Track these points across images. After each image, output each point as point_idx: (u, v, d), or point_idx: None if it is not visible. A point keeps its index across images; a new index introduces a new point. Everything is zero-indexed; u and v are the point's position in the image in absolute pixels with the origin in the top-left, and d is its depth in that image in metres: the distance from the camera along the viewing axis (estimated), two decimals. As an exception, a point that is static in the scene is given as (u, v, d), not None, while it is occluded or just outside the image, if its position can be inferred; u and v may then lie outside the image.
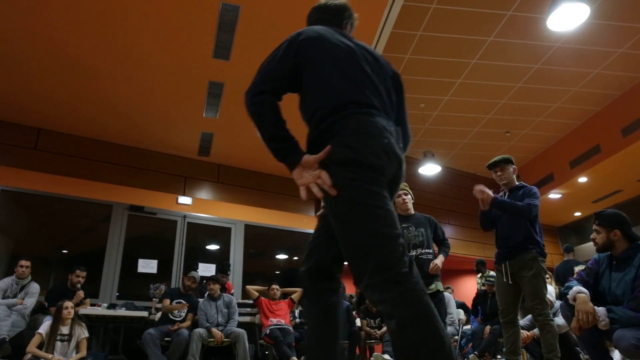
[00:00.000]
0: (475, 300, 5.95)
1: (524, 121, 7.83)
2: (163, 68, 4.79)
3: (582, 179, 8.05)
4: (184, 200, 6.72)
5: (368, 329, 5.61)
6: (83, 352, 3.96)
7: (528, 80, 6.62)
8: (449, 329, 5.55)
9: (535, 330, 3.99)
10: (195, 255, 6.75)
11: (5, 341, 4.01)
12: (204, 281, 5.41)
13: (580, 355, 3.88)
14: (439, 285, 3.40)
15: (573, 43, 5.86)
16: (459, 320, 5.94)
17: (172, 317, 4.80)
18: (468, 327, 6.08)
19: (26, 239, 6.23)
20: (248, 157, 6.90)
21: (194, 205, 6.78)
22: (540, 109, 7.46)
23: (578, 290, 2.34)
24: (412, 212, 3.64)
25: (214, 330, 4.64)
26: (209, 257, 7.00)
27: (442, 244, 3.61)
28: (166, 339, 4.55)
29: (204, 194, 6.99)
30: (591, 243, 2.59)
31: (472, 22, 5.44)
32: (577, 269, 5.97)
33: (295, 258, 7.96)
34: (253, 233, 7.15)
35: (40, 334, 3.82)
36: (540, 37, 5.71)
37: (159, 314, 4.98)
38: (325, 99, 1.36)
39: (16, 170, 5.67)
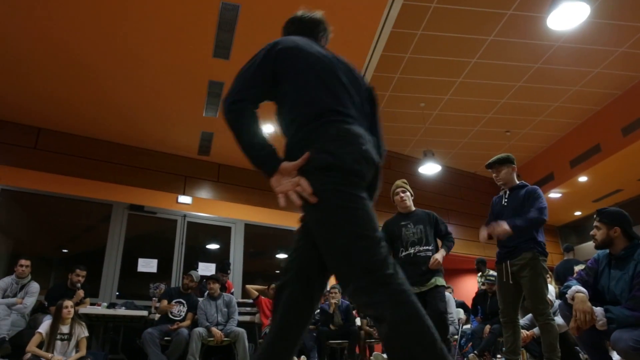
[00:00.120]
0: (475, 299, 5.95)
1: (524, 120, 7.82)
2: (163, 68, 4.79)
3: (583, 179, 8.05)
4: (184, 199, 6.72)
5: (368, 328, 5.62)
6: (83, 352, 3.97)
7: (528, 79, 6.61)
8: (449, 328, 5.55)
9: (535, 330, 3.99)
10: (195, 254, 6.75)
11: (5, 340, 4.01)
12: (204, 280, 5.41)
13: (580, 355, 3.88)
14: (438, 280, 3.34)
15: (573, 42, 5.85)
16: (458, 320, 5.94)
17: (172, 317, 4.80)
18: (468, 326, 6.08)
19: (26, 238, 6.24)
20: (248, 156, 6.89)
21: (194, 204, 6.78)
22: (540, 108, 7.46)
23: (577, 289, 2.33)
24: (413, 208, 3.63)
25: (214, 329, 4.64)
26: (209, 257, 7.01)
27: (445, 238, 3.54)
28: (166, 338, 4.55)
29: (204, 193, 6.99)
30: (591, 243, 2.57)
31: (472, 21, 5.44)
32: (577, 268, 5.97)
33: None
34: (253, 232, 7.16)
35: (40, 333, 3.83)
36: (540, 37, 5.70)
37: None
38: (303, 107, 1.37)
39: (16, 170, 5.67)
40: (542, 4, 5.08)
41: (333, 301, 5.30)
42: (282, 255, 8.17)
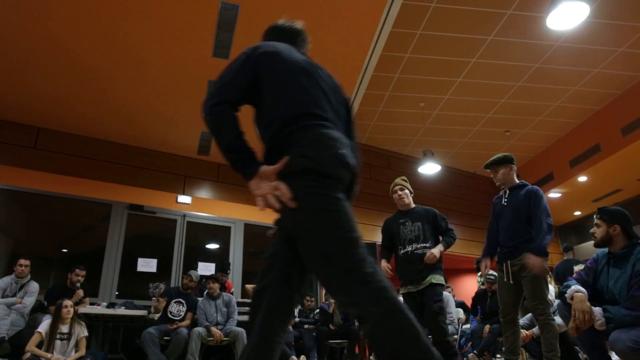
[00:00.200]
0: (474, 299, 5.96)
1: (524, 120, 7.83)
2: (163, 68, 4.79)
3: (582, 178, 8.05)
4: (184, 199, 6.72)
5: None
6: (82, 351, 3.97)
7: (528, 79, 6.62)
8: (449, 328, 5.55)
9: (535, 330, 3.99)
10: (195, 254, 6.75)
11: (4, 340, 4.01)
12: (204, 280, 5.41)
13: (579, 355, 3.88)
14: (434, 278, 3.26)
15: (573, 42, 5.85)
16: (458, 320, 5.94)
17: (172, 316, 4.80)
18: (467, 326, 6.08)
19: (26, 238, 6.24)
20: (248, 156, 6.89)
21: (193, 204, 6.78)
22: (540, 108, 7.46)
23: (576, 289, 2.33)
24: (412, 206, 3.60)
25: (213, 329, 4.65)
26: (208, 256, 7.01)
27: (446, 234, 3.48)
28: (165, 337, 4.55)
29: (204, 193, 6.99)
30: (591, 242, 2.57)
31: (472, 21, 5.44)
32: (576, 268, 5.97)
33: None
34: (253, 232, 7.15)
35: (39, 332, 3.83)
36: (540, 36, 5.71)
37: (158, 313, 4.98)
38: (282, 111, 1.38)
39: (16, 170, 5.67)
40: (542, 3, 5.08)
41: (333, 301, 5.30)
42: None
